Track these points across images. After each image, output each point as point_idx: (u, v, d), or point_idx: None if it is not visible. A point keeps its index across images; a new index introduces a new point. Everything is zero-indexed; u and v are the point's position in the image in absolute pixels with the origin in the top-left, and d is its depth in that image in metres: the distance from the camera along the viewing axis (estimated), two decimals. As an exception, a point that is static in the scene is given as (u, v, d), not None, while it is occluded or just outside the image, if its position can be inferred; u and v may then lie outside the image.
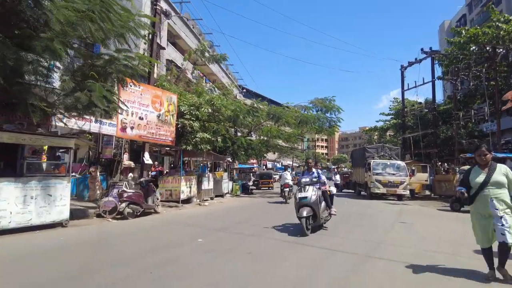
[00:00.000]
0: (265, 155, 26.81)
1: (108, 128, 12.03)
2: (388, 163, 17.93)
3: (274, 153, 34.31)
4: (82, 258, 5.02)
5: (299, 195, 6.86)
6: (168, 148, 15.47)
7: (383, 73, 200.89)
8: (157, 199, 10.51)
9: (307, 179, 7.16)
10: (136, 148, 15.02)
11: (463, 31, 21.28)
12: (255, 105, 20.78)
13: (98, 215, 8.96)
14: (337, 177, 28.13)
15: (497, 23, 19.50)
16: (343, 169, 46.65)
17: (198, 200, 13.87)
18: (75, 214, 8.53)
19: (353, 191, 23.33)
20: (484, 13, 33.34)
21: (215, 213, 11.17)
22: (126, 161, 13.66)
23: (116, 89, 9.22)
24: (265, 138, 21.52)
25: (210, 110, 14.61)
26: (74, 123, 10.70)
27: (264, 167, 42.94)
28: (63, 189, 7.53)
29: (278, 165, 51.20)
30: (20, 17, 6.72)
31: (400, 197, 16.86)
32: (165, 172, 15.73)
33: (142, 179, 10.60)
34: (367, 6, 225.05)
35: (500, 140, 18.14)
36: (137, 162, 13.56)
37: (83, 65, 8.12)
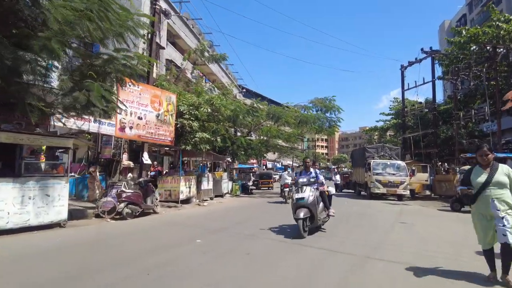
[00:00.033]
0: (265, 155, 26.79)
1: (107, 128, 12.00)
2: (388, 163, 17.90)
3: (274, 153, 34.27)
4: (79, 258, 4.98)
5: (296, 195, 6.67)
6: (167, 148, 15.43)
7: (383, 73, 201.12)
8: (156, 199, 10.46)
9: (305, 179, 6.94)
10: (135, 148, 14.97)
11: (464, 31, 21.23)
12: (255, 105, 20.76)
13: (97, 216, 8.91)
14: (337, 177, 28.10)
15: (497, 22, 19.45)
16: (343, 169, 46.63)
17: (197, 200, 13.83)
18: (74, 215, 8.49)
19: (353, 191, 23.29)
20: (484, 12, 33.28)
21: (214, 213, 11.13)
22: (125, 161, 13.62)
23: (115, 89, 9.19)
24: (265, 138, 21.50)
25: (209, 110, 14.57)
26: (73, 123, 10.66)
27: (264, 167, 42.91)
28: (61, 189, 7.49)
29: (278, 165, 51.19)
30: (18, 16, 6.68)
31: (400, 197, 16.82)
32: (164, 172, 15.68)
33: (141, 179, 10.55)
34: (367, 6, 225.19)
35: (501, 140, 18.10)
36: (136, 162, 13.52)
37: (82, 65, 8.08)
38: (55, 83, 8.16)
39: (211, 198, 15.43)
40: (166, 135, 12.35)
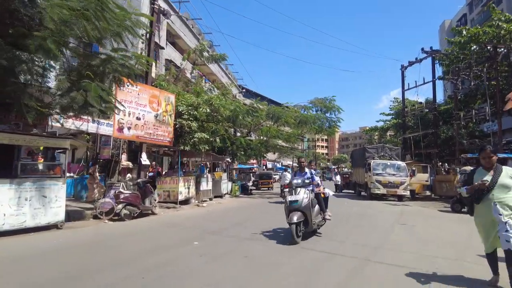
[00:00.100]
0: (264, 155, 26.71)
1: (106, 128, 11.95)
2: (388, 163, 17.83)
3: (274, 153, 34.19)
4: (77, 259, 4.93)
5: (289, 198, 6.28)
6: (166, 149, 15.37)
7: (383, 73, 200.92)
8: (155, 200, 10.39)
9: (299, 181, 6.50)
10: (134, 149, 14.91)
11: (464, 31, 21.16)
12: (255, 105, 20.70)
13: (95, 217, 8.86)
14: (338, 177, 28.01)
15: (498, 22, 19.38)
16: (343, 169, 46.54)
17: (196, 201, 13.77)
18: (72, 216, 8.44)
19: (353, 191, 23.21)
20: (484, 12, 33.21)
21: (213, 214, 11.06)
22: (124, 161, 13.56)
23: (113, 89, 9.13)
24: (265, 138, 21.42)
25: (208, 110, 14.50)
26: (71, 124, 10.62)
27: (264, 167, 42.85)
28: (58, 190, 7.43)
29: (278, 165, 51.11)
30: (14, 15, 6.62)
31: (400, 198, 16.75)
32: (163, 172, 15.62)
33: (139, 180, 10.48)
34: (367, 6, 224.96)
35: (501, 140, 18.01)
36: (135, 162, 13.45)
37: (79, 65, 8.02)
38: (52, 83, 8.11)
39: (210, 199, 15.36)
40: (165, 136, 12.29)
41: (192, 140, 13.59)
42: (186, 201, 13.06)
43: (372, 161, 17.98)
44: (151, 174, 13.46)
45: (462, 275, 4.18)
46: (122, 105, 9.72)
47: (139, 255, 5.24)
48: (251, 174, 27.57)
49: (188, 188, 13.23)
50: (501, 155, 13.13)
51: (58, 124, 9.47)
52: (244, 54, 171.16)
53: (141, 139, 11.48)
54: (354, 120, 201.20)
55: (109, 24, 6.75)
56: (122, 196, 8.95)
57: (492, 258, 3.71)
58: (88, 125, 11.30)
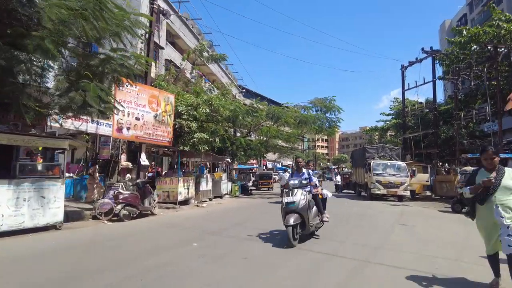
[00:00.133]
0: (264, 155, 26.67)
1: (105, 128, 11.92)
2: (389, 163, 17.80)
3: (274, 153, 34.15)
4: (72, 261, 4.88)
5: (286, 199, 6.07)
6: (166, 149, 15.33)
7: (384, 73, 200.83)
8: (154, 200, 10.37)
9: (296, 181, 6.26)
10: (133, 149, 14.88)
11: (464, 31, 21.13)
12: (255, 105, 20.67)
13: (94, 217, 8.82)
14: (338, 177, 27.98)
15: (498, 22, 19.35)
16: (343, 169, 46.48)
17: (196, 202, 13.74)
18: (70, 216, 8.41)
19: (353, 191, 23.17)
20: (485, 12, 33.17)
21: (212, 214, 11.03)
22: (124, 161, 13.53)
23: (113, 89, 9.10)
24: (265, 138, 21.39)
25: (208, 110, 14.46)
26: (70, 124, 10.59)
27: (264, 167, 42.83)
28: (57, 191, 7.39)
29: (278, 165, 51.08)
30: (12, 15, 6.60)
31: (400, 198, 16.72)
32: (163, 173, 15.59)
33: (138, 181, 10.45)
34: (367, 6, 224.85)
35: (502, 140, 17.98)
36: (135, 163, 13.42)
37: (78, 65, 7.99)
38: (51, 84, 8.08)
39: (210, 199, 15.33)
40: (164, 136, 12.26)
41: (191, 140, 13.56)
42: (185, 202, 13.03)
43: (372, 161, 17.95)
44: (150, 174, 13.44)
45: (463, 277, 4.14)
46: (121, 105, 9.69)
47: (138, 255, 5.21)
48: (251, 174, 27.53)
49: (188, 188, 13.20)
50: (501, 155, 13.09)
51: (57, 125, 9.45)
52: (244, 54, 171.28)
53: (140, 139, 11.45)
54: (354, 120, 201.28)
55: (107, 24, 6.72)
56: (121, 196, 8.92)
57: (493, 260, 3.65)
58: (87, 125, 11.27)
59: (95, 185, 10.96)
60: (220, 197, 16.95)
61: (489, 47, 18.24)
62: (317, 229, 6.68)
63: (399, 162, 18.25)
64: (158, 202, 11.56)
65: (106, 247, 5.98)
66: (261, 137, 21.70)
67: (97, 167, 11.64)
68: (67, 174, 12.13)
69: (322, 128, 22.75)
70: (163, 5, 17.26)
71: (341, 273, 4.40)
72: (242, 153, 19.90)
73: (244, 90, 40.03)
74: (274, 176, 29.58)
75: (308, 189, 6.38)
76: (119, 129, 10.38)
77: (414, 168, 18.72)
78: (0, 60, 5.99)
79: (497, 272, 3.64)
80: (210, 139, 14.30)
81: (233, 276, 4.24)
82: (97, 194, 10.62)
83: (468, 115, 20.84)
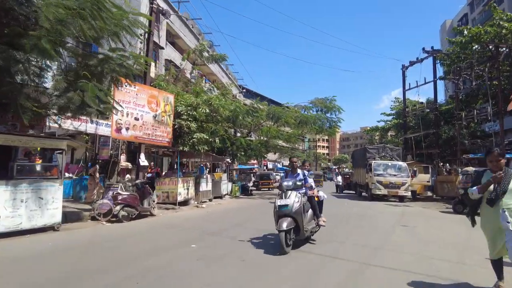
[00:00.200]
0: (265, 155, 26.60)
1: (104, 129, 11.87)
2: (389, 164, 17.73)
3: (275, 154, 34.10)
4: (69, 263, 4.83)
5: (279, 202, 5.63)
6: (166, 149, 15.29)
7: (384, 73, 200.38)
8: (153, 201, 10.31)
9: (290, 183, 5.87)
10: (133, 149, 14.84)
11: (465, 30, 21.05)
12: (255, 105, 20.61)
13: (93, 218, 8.77)
14: (339, 178, 27.92)
15: (499, 21, 19.26)
16: (344, 169, 46.36)
17: (195, 202, 13.68)
18: (69, 217, 8.36)
19: (354, 192, 23.11)
20: (486, 12, 33.06)
21: (212, 215, 10.98)
22: (123, 162, 13.48)
23: (111, 89, 9.05)
24: (265, 139, 21.33)
25: (207, 111, 14.41)
26: (69, 124, 10.55)
27: (264, 167, 42.76)
28: (55, 192, 7.35)
29: (279, 166, 51.01)
30: (10, 14, 6.56)
31: (401, 199, 16.66)
32: (163, 173, 15.54)
33: (137, 181, 10.40)
34: (367, 6, 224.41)
35: (503, 141, 17.88)
36: (134, 163, 13.38)
37: (77, 65, 7.94)
38: (49, 84, 8.03)
39: (210, 200, 15.28)
40: (164, 136, 12.20)
41: (191, 141, 13.50)
42: (185, 202, 12.98)
43: (373, 161, 17.89)
44: (149, 175, 13.38)
45: (465, 280, 4.06)
46: (120, 106, 9.64)
47: (137, 256, 5.17)
48: (252, 175, 27.46)
49: (188, 189, 13.15)
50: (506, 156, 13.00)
51: (56, 125, 9.41)
52: (244, 54, 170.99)
53: (140, 139, 11.40)
54: (355, 120, 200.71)
55: (105, 23, 6.66)
56: (120, 197, 8.86)
57: (497, 264, 3.55)
58: (86, 125, 11.22)
59: (95, 186, 10.93)
60: (220, 197, 16.90)
61: (490, 47, 18.16)
62: (313, 234, 6.30)
63: (400, 163, 18.18)
64: (158, 203, 11.51)
65: (104, 248, 5.93)
66: (262, 137, 21.65)
67: (97, 167, 11.61)
68: (66, 175, 12.11)
69: (322, 128, 22.68)
70: (163, 5, 17.22)
71: (341, 274, 4.34)
72: (243, 153, 19.85)
73: (244, 90, 39.99)
74: (276, 176, 29.18)
75: (303, 191, 6.03)
76: (118, 130, 10.33)
77: (415, 169, 18.65)
78: (-4, 59, 5.95)
79: (500, 276, 3.56)
80: (210, 139, 14.24)
81: (233, 277, 4.18)
82: (96, 195, 10.58)
83: (469, 115, 20.75)
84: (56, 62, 7.40)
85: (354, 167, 24.97)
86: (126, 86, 9.47)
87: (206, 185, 15.02)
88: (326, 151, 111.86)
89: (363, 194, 19.58)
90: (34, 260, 5.06)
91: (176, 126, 13.55)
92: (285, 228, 5.26)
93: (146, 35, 12.56)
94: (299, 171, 6.30)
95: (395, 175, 16.86)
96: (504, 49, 17.79)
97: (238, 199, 18.31)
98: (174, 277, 4.21)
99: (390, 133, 38.81)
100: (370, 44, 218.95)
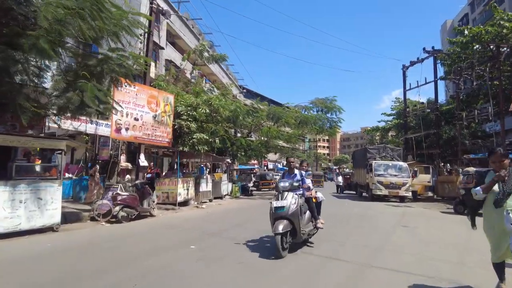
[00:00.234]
0: (265, 156, 26.54)
1: (104, 129, 11.87)
2: (390, 164, 17.69)
3: (275, 154, 34.02)
4: (66, 265, 4.79)
5: (275, 204, 5.43)
6: (166, 150, 15.26)
7: (384, 73, 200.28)
8: (153, 202, 10.28)
9: (286, 184, 5.65)
10: (133, 150, 14.83)
11: (466, 30, 21.00)
12: (255, 105, 20.58)
13: (92, 219, 8.74)
14: (340, 178, 27.85)
15: (500, 21, 19.21)
16: (344, 169, 46.27)
17: (195, 203, 13.65)
18: (68, 218, 8.33)
19: (354, 192, 23.06)
20: (486, 12, 32.99)
21: (212, 215, 10.95)
22: (123, 162, 13.47)
23: (111, 90, 9.03)
24: (265, 139, 21.29)
25: (207, 111, 14.38)
26: (69, 124, 10.54)
27: (265, 168, 42.71)
28: (54, 192, 7.31)
29: (279, 166, 50.95)
30: (9, 14, 6.53)
31: (402, 199, 16.60)
32: (163, 174, 15.52)
33: (137, 182, 10.38)
34: (367, 6, 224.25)
35: (504, 141, 17.83)
36: (134, 163, 13.36)
37: (76, 65, 7.92)
38: (49, 84, 8.01)
39: (210, 200, 15.24)
40: (164, 136, 12.17)
41: (191, 141, 13.47)
42: (185, 203, 12.94)
43: (374, 161, 17.84)
44: (149, 175, 13.36)
45: (466, 283, 4.02)
46: (120, 106, 9.62)
47: (136, 257, 5.14)
48: (252, 175, 27.41)
49: (187, 189, 13.11)
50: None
51: (55, 125, 9.39)
52: (244, 54, 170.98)
53: (139, 140, 11.37)
54: (355, 120, 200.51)
55: (105, 23, 6.64)
56: (119, 198, 8.83)
57: (499, 266, 3.48)
58: (86, 126, 11.22)
59: (96, 186, 10.92)
60: (221, 198, 16.86)
61: (491, 47, 18.10)
62: (311, 236, 6.08)
63: (401, 163, 18.13)
64: (158, 203, 11.48)
65: (103, 248, 5.90)
66: (262, 138, 21.60)
67: (97, 167, 11.60)
68: (66, 175, 12.10)
69: (323, 128, 22.62)
70: (163, 5, 17.20)
71: (341, 275, 4.32)
72: (243, 153, 19.81)
73: (244, 91, 39.96)
74: (275, 176, 29.11)
75: (300, 192, 5.82)
76: (118, 130, 10.31)
77: (415, 169, 18.60)
78: (-4, 59, 5.93)
79: (501, 277, 3.51)
80: (210, 140, 14.21)
81: (232, 278, 4.15)
82: (96, 195, 10.57)
83: (470, 115, 20.70)
84: (56, 62, 7.39)
85: (355, 167, 24.92)
86: (125, 86, 9.45)
87: (206, 186, 14.99)
88: (326, 152, 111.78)
89: (364, 194, 19.54)
90: (33, 261, 5.03)
91: (176, 127, 13.52)
92: (281, 231, 5.06)
93: (146, 35, 12.54)
94: (296, 171, 6.10)
95: (395, 176, 16.81)
96: (505, 48, 17.73)
97: (238, 199, 18.27)
98: (173, 278, 4.18)
99: (390, 133, 38.74)
100: (371, 44, 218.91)
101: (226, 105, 15.86)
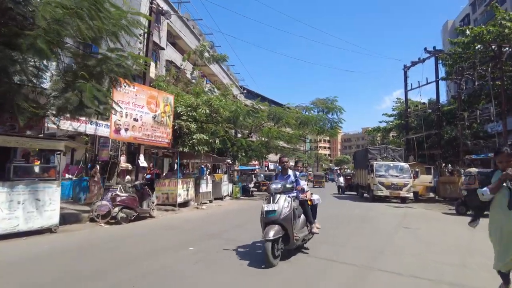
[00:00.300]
0: (266, 156, 26.47)
1: (104, 129, 11.83)
2: (391, 164, 17.60)
3: (276, 154, 33.92)
4: (64, 266, 4.73)
5: (266, 207, 4.97)
6: (166, 150, 15.21)
7: (385, 73, 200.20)
8: (153, 203, 10.23)
9: (279, 185, 5.22)
10: (133, 150, 14.79)
11: (468, 30, 20.92)
12: (256, 105, 20.52)
13: (91, 220, 8.69)
14: (341, 179, 27.76)
15: (501, 21, 19.13)
16: (345, 170, 46.16)
17: (195, 204, 13.59)
18: (67, 219, 8.28)
19: (355, 193, 22.97)
20: (488, 12, 32.88)
21: (212, 216, 10.89)
22: (123, 163, 13.43)
23: (110, 90, 8.99)
24: (266, 139, 21.23)
25: (207, 111, 14.32)
26: (69, 125, 10.50)
27: (266, 168, 42.64)
28: (52, 193, 7.26)
29: (280, 166, 50.83)
30: (7, 14, 6.50)
31: (403, 200, 16.52)
32: (163, 174, 15.47)
33: (136, 182, 10.33)
34: (367, 6, 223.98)
35: (507, 141, 17.71)
36: (134, 164, 13.32)
37: (75, 65, 7.88)
38: (48, 84, 7.98)
39: (210, 201, 15.17)
40: (163, 137, 12.12)
41: (191, 142, 13.41)
42: (185, 204, 12.88)
43: (375, 162, 17.77)
44: (148, 176, 13.32)
45: (469, 286, 3.95)
46: (119, 106, 9.58)
47: (135, 258, 5.09)
48: (253, 175, 27.35)
49: (187, 190, 13.05)
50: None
51: (54, 126, 9.35)
52: (245, 55, 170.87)
53: (139, 140, 11.32)
54: (356, 120, 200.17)
55: (103, 23, 6.59)
56: (118, 199, 8.77)
57: (505, 275, 3.34)
58: (86, 126, 11.18)
59: (96, 187, 10.87)
60: (221, 198, 16.79)
61: (493, 47, 18.02)
62: (305, 242, 5.66)
63: (402, 163, 18.05)
64: (157, 204, 11.43)
65: (102, 250, 5.84)
66: (262, 138, 21.53)
67: (97, 168, 11.56)
68: (66, 176, 12.07)
69: (324, 129, 22.54)
70: (163, 5, 17.17)
71: (341, 278, 4.25)
72: (243, 154, 19.74)
73: (245, 91, 39.92)
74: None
75: (294, 194, 5.41)
76: (117, 130, 10.26)
77: (417, 169, 18.51)
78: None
79: (506, 281, 3.42)
80: (210, 140, 14.15)
81: (232, 280, 4.10)
82: (97, 196, 10.52)
83: (472, 115, 20.61)
84: (54, 63, 7.35)
85: (356, 168, 24.83)
86: (125, 86, 9.40)
87: (206, 186, 14.93)
88: (327, 152, 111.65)
89: (365, 195, 19.45)
90: (32, 261, 4.99)
91: (176, 127, 13.46)
92: (271, 238, 4.58)
93: (146, 35, 12.50)
94: (290, 172, 5.71)
95: (397, 176, 16.73)
96: (507, 48, 17.65)
97: (238, 200, 18.20)
98: (173, 279, 4.13)
99: (392, 134, 38.65)
100: (371, 44, 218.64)
101: (226, 105, 15.81)
